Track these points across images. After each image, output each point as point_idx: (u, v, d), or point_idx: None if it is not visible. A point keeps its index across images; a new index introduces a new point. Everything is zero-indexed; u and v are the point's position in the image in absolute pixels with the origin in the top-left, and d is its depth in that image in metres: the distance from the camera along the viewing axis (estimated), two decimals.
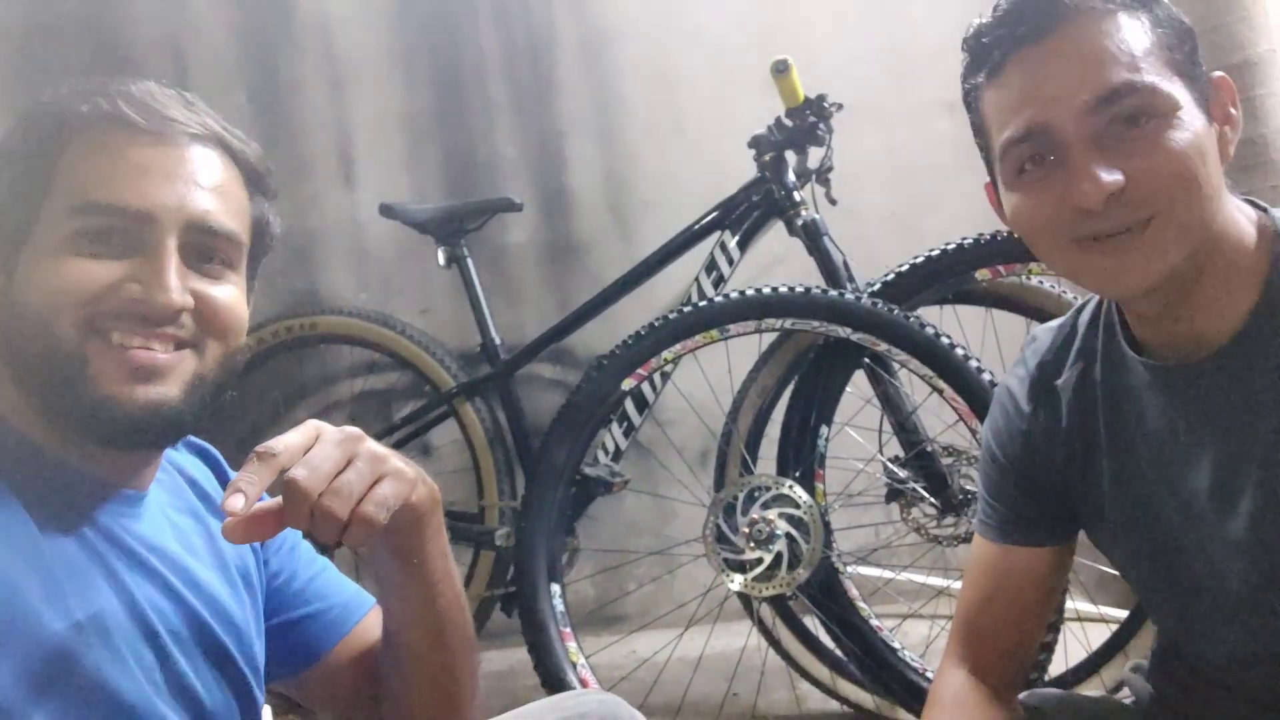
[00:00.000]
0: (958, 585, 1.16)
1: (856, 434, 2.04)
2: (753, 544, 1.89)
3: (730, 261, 2.13)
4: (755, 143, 2.09)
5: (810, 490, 1.94)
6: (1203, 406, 0.92)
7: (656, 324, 1.95)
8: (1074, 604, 1.88)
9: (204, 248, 0.88)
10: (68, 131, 0.86)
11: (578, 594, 2.64)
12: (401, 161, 2.86)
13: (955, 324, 1.96)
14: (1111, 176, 0.83)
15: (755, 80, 2.27)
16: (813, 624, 2.10)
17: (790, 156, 2.09)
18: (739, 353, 2.07)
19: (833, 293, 1.89)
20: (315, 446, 0.81)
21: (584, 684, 1.90)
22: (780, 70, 2.01)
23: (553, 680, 1.90)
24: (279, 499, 0.81)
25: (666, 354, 1.95)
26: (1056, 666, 1.84)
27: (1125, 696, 1.20)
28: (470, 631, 1.04)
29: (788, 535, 1.87)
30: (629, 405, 2.11)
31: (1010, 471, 1.10)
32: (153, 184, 0.85)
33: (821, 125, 2.06)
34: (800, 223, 2.04)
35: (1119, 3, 0.86)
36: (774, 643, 2.14)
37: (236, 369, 0.93)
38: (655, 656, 2.16)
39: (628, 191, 2.85)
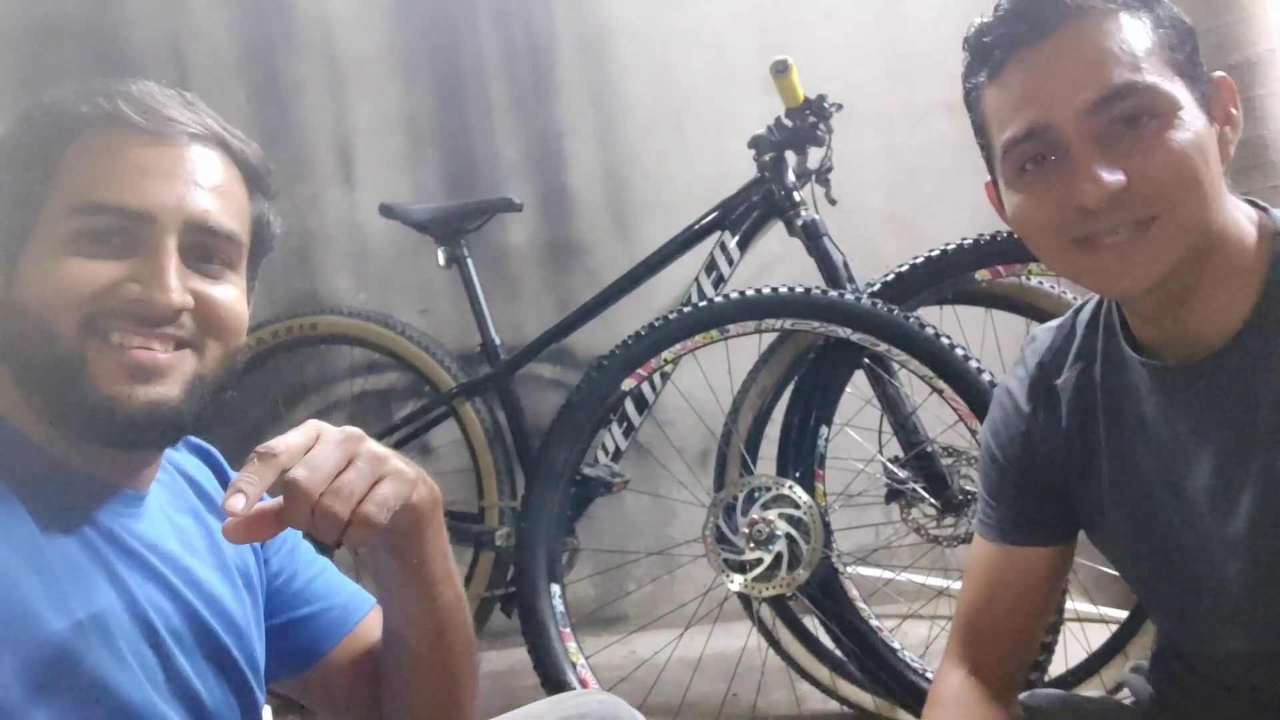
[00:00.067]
0: (958, 586, 1.16)
1: (856, 434, 2.04)
2: (753, 544, 1.89)
3: (730, 262, 2.13)
4: (755, 143, 2.09)
5: (810, 491, 1.94)
6: (1203, 406, 0.92)
7: (656, 324, 1.95)
8: (1074, 604, 1.88)
9: (204, 248, 0.88)
10: (68, 132, 0.86)
11: (578, 594, 2.64)
12: (401, 162, 2.86)
13: (955, 324, 1.96)
14: (1113, 176, 0.83)
15: (755, 80, 2.27)
16: (812, 624, 2.10)
17: (790, 157, 2.09)
18: (739, 353, 2.08)
19: (832, 293, 1.89)
20: (316, 446, 0.81)
21: (584, 684, 1.90)
22: (780, 70, 2.01)
23: (552, 680, 1.90)
24: (279, 499, 0.81)
25: (666, 354, 1.95)
26: (1056, 667, 1.85)
27: (1125, 697, 1.20)
28: (470, 632, 1.04)
29: (788, 535, 1.87)
30: (629, 405, 2.11)
31: (1010, 471, 1.10)
32: (153, 184, 0.85)
33: (821, 125, 2.06)
34: (800, 223, 2.04)
35: (1120, 2, 0.86)
36: (774, 643, 2.14)
37: (236, 369, 0.93)
38: (655, 657, 2.16)
39: (627, 192, 2.85)
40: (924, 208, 2.72)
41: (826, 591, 1.99)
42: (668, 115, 2.83)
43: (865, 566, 2.30)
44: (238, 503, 0.75)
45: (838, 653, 2.07)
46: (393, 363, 2.59)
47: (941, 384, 1.79)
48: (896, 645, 1.96)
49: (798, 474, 1.98)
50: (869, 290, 1.95)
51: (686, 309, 1.94)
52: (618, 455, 2.13)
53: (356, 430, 0.85)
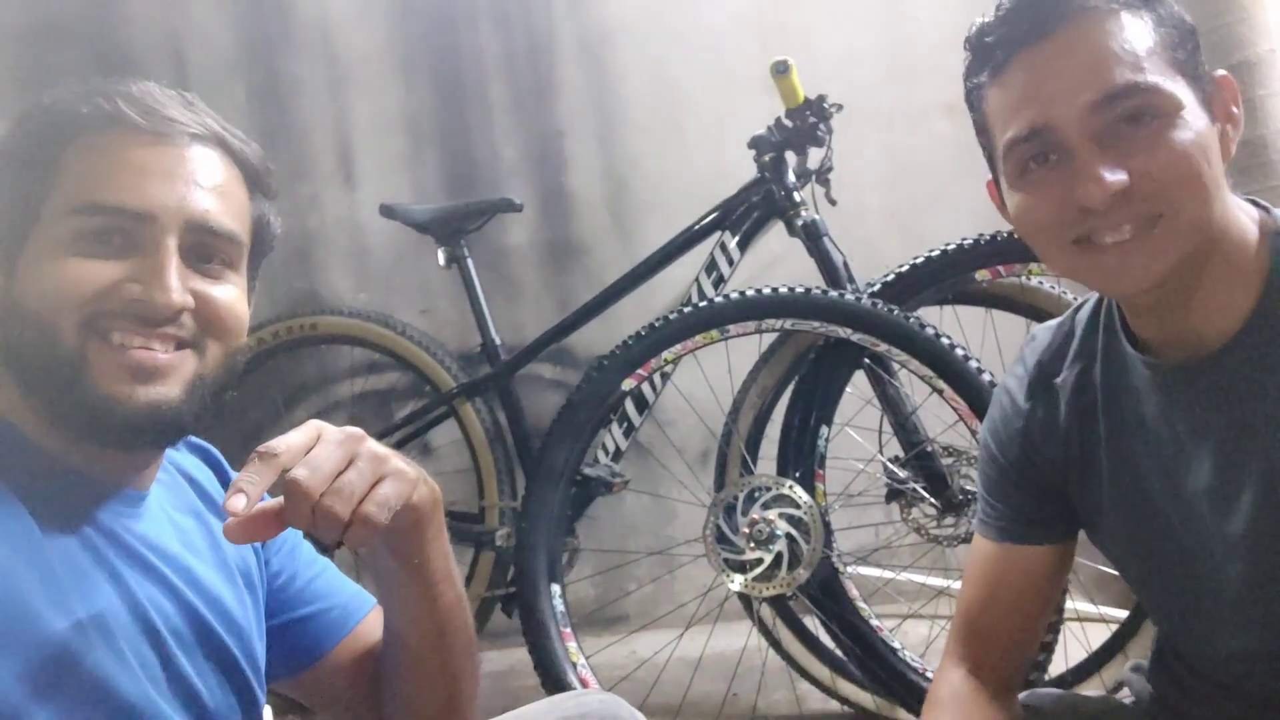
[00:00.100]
0: (958, 585, 1.16)
1: (856, 434, 2.04)
2: (753, 544, 1.89)
3: (730, 262, 2.13)
4: (755, 143, 2.09)
5: (810, 490, 1.94)
6: (1203, 405, 0.92)
7: (657, 324, 1.95)
8: (1074, 604, 1.89)
9: (204, 248, 0.88)
10: (68, 132, 0.86)
11: (578, 594, 2.64)
12: (401, 162, 2.86)
13: (955, 324, 1.96)
14: (1115, 176, 0.83)
15: (755, 81, 2.28)
16: (813, 624, 2.10)
17: (790, 157, 2.09)
18: (739, 353, 2.08)
19: (833, 293, 1.89)
20: (317, 446, 0.81)
21: (584, 684, 1.90)
22: (780, 71, 2.01)
23: (553, 680, 1.90)
24: (280, 499, 0.81)
25: (667, 354, 1.95)
26: (1056, 667, 1.85)
27: (1125, 696, 1.20)
28: (471, 632, 1.04)
29: (788, 535, 1.88)
30: (629, 405, 2.11)
31: (1009, 470, 1.10)
32: (153, 184, 0.85)
33: (821, 126, 2.06)
34: (800, 223, 2.04)
35: (1122, 2, 0.86)
36: (774, 643, 2.14)
37: (237, 369, 0.93)
38: (655, 657, 2.16)
39: (628, 192, 2.85)
40: (924, 208, 2.73)
41: (827, 591, 1.99)
42: (668, 115, 2.83)
43: (865, 566, 2.30)
44: (239, 502, 0.75)
45: (838, 652, 2.07)
46: (393, 363, 2.59)
47: (941, 384, 1.79)
48: (897, 645, 1.97)
49: (798, 474, 1.98)
50: (869, 290, 1.95)
51: (687, 309, 1.94)
52: (618, 455, 2.13)
53: (357, 430, 0.85)
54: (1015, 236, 1.80)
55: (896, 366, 1.91)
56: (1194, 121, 0.84)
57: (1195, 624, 1.00)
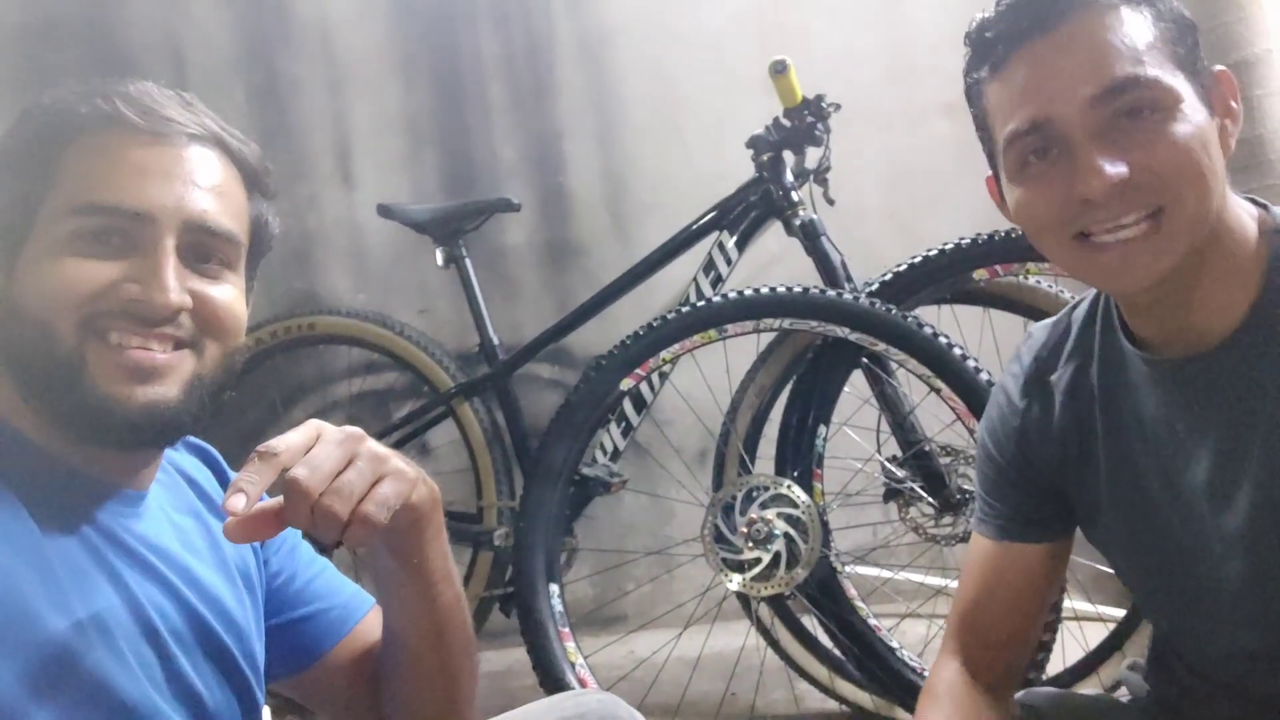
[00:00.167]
0: (956, 585, 1.17)
1: (854, 433, 2.04)
2: (751, 544, 1.89)
3: (728, 262, 2.14)
4: (753, 143, 2.09)
5: (808, 490, 1.94)
6: (1202, 402, 0.92)
7: (655, 324, 1.95)
8: (1071, 603, 1.89)
9: (202, 248, 0.88)
10: (67, 132, 0.86)
11: (576, 594, 2.64)
12: (400, 162, 2.86)
13: (953, 324, 1.96)
14: (1115, 168, 0.83)
15: (753, 81, 2.28)
16: (811, 624, 2.11)
17: (788, 157, 2.10)
18: (737, 353, 2.08)
19: (831, 293, 1.89)
20: (316, 446, 0.81)
21: (583, 684, 1.90)
22: (778, 70, 2.01)
23: (551, 680, 1.90)
24: (280, 499, 0.81)
25: (664, 354, 1.95)
26: (1054, 666, 1.85)
27: (1122, 695, 1.20)
28: (470, 632, 1.04)
29: (786, 535, 1.88)
30: (627, 405, 2.11)
31: (1006, 469, 1.10)
32: (151, 184, 0.85)
33: (819, 125, 2.06)
34: (798, 223, 2.05)
35: None
36: (772, 642, 2.14)
37: (235, 369, 0.93)
38: (654, 656, 2.16)
39: (626, 192, 2.85)
40: (922, 207, 2.73)
41: (825, 591, 2.00)
42: (666, 115, 2.83)
43: (863, 565, 2.30)
44: (238, 502, 0.75)
45: (836, 652, 2.07)
46: (391, 363, 2.59)
47: (939, 383, 1.79)
48: (895, 644, 1.97)
49: (796, 473, 1.98)
50: (867, 290, 1.95)
51: (685, 309, 1.95)
52: (616, 455, 2.13)
53: (357, 430, 0.85)
54: (1013, 236, 1.82)
55: (894, 366, 1.91)
56: (1193, 115, 0.85)
57: (1193, 622, 1.00)
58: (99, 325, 0.82)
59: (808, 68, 2.10)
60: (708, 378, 2.14)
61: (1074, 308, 1.07)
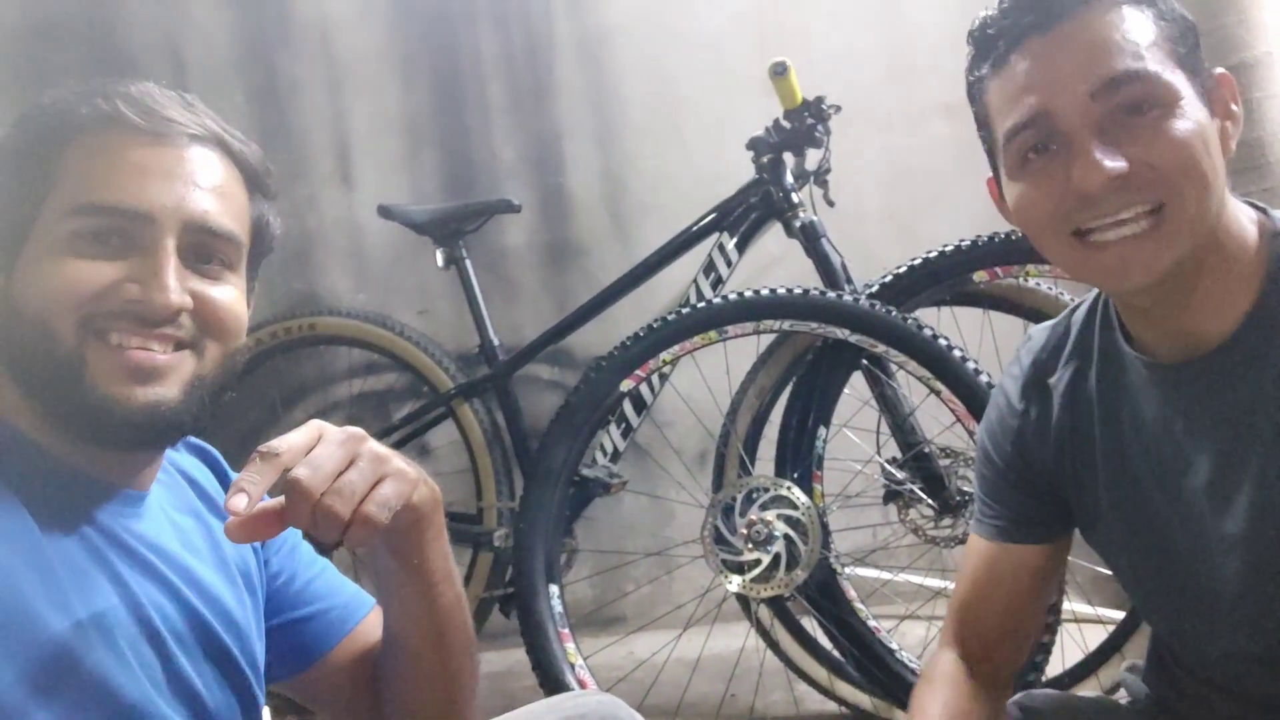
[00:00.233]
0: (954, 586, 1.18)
1: (854, 435, 2.04)
2: (751, 545, 1.89)
3: (728, 263, 2.14)
4: (753, 144, 2.09)
5: (808, 491, 1.94)
6: (1200, 404, 0.92)
7: (655, 325, 1.95)
8: (1071, 605, 1.89)
9: (203, 248, 0.88)
10: (67, 133, 0.86)
11: (576, 595, 2.64)
12: (400, 162, 2.86)
13: (953, 325, 1.96)
14: (1114, 163, 0.83)
15: (753, 82, 2.28)
16: (810, 625, 2.11)
17: (788, 158, 2.10)
18: (737, 354, 2.08)
19: (831, 294, 1.89)
20: (318, 446, 0.81)
21: (582, 685, 1.90)
22: (779, 72, 2.02)
23: (551, 681, 1.90)
24: (281, 499, 0.81)
25: (665, 355, 1.95)
26: (1053, 668, 1.85)
27: (1121, 697, 1.20)
28: (470, 632, 1.04)
29: (786, 536, 1.88)
30: (627, 406, 2.11)
31: (1005, 471, 1.10)
32: (151, 184, 0.85)
33: (820, 127, 2.06)
34: (798, 224, 2.05)
35: None
36: (772, 644, 2.14)
37: (236, 370, 0.93)
38: (653, 658, 2.16)
39: (626, 193, 2.85)
40: (922, 209, 2.73)
41: (824, 592, 2.00)
42: (666, 117, 2.83)
43: (863, 567, 2.30)
44: (240, 502, 0.75)
45: (835, 653, 2.07)
46: (391, 364, 2.59)
47: (939, 385, 1.79)
48: (894, 646, 1.97)
49: (796, 475, 1.98)
50: (867, 292, 1.95)
51: (685, 310, 1.94)
52: (616, 456, 2.13)
53: (358, 430, 0.85)
54: (1013, 238, 1.82)
55: (894, 368, 1.91)
56: (1194, 113, 0.85)
57: (1191, 624, 1.00)
58: (99, 325, 0.82)
59: (807, 68, 2.10)
60: (708, 379, 2.14)
61: (1073, 310, 1.07)
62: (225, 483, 1.04)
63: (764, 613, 2.12)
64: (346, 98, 2.86)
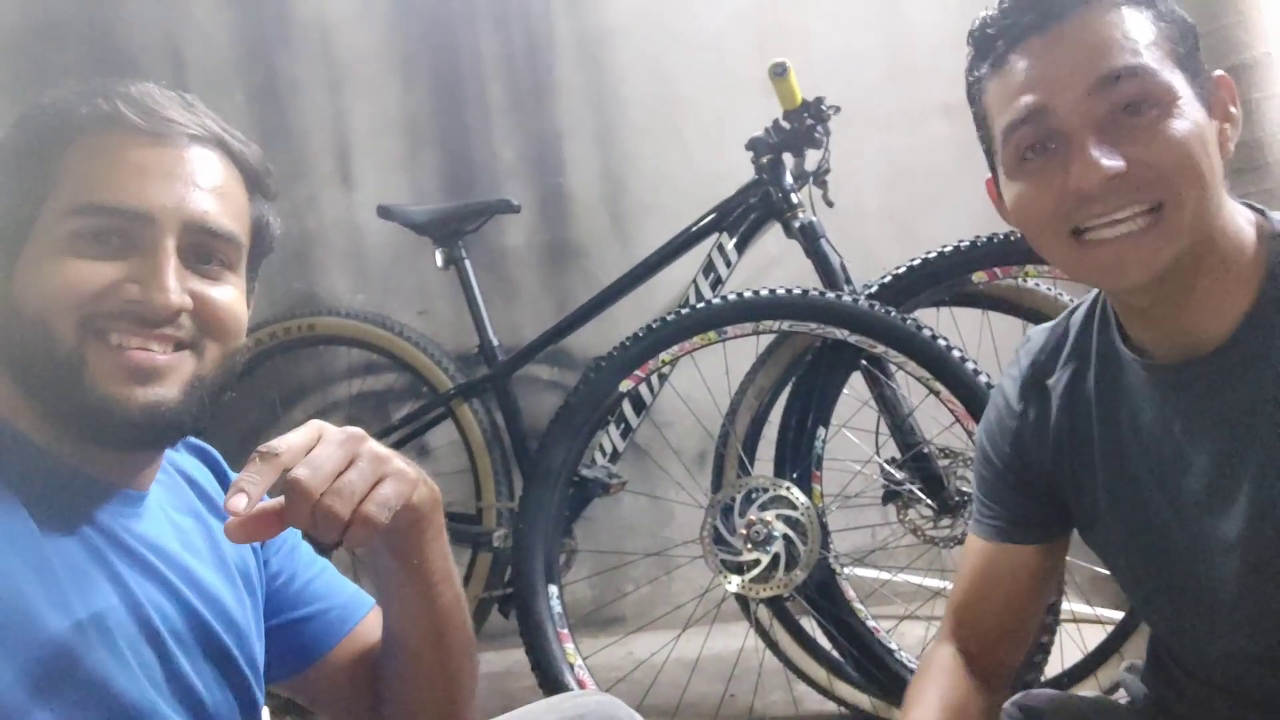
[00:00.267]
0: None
1: (854, 435, 2.04)
2: (750, 545, 1.89)
3: (728, 263, 2.14)
4: (753, 145, 2.09)
5: (807, 492, 1.94)
6: (1199, 406, 0.92)
7: (654, 326, 1.95)
8: (1070, 605, 1.89)
9: (203, 248, 0.88)
10: (67, 133, 0.86)
11: (575, 595, 2.64)
12: (399, 163, 2.86)
13: (952, 326, 1.96)
14: (1112, 161, 0.83)
15: (753, 82, 2.28)
16: (810, 625, 2.11)
17: (788, 159, 2.10)
18: (736, 354, 2.08)
19: (830, 295, 1.89)
20: (318, 446, 0.81)
21: (581, 685, 1.90)
22: (778, 73, 2.02)
23: (550, 681, 1.90)
24: (281, 499, 0.81)
25: (664, 356, 1.95)
26: (1052, 668, 1.85)
27: (1120, 697, 1.20)
28: (470, 632, 1.04)
29: (785, 537, 1.88)
30: (626, 407, 2.11)
31: (1004, 472, 1.10)
32: (151, 185, 0.85)
33: (819, 128, 2.07)
34: (798, 225, 2.05)
35: None
36: (771, 644, 2.14)
37: (235, 370, 0.93)
38: (653, 658, 2.16)
39: (626, 193, 2.85)
40: (922, 210, 2.73)
41: (824, 592, 2.00)
42: (666, 117, 2.83)
43: (862, 567, 2.30)
44: (240, 502, 0.75)
45: (835, 654, 2.07)
46: (390, 364, 2.59)
47: (938, 385, 1.79)
48: (893, 646, 1.97)
49: (795, 475, 1.98)
50: (866, 292, 1.96)
51: (684, 310, 1.95)
52: (615, 456, 2.14)
53: (358, 430, 0.85)
54: (1012, 239, 1.82)
55: (894, 368, 1.91)
56: (1192, 113, 0.85)
57: (1190, 625, 1.01)
58: (99, 326, 0.82)
59: (807, 68, 2.11)
60: (707, 379, 2.14)
61: (1072, 312, 1.07)
62: (225, 483, 1.04)
63: (763, 613, 2.12)
64: (346, 98, 2.86)
